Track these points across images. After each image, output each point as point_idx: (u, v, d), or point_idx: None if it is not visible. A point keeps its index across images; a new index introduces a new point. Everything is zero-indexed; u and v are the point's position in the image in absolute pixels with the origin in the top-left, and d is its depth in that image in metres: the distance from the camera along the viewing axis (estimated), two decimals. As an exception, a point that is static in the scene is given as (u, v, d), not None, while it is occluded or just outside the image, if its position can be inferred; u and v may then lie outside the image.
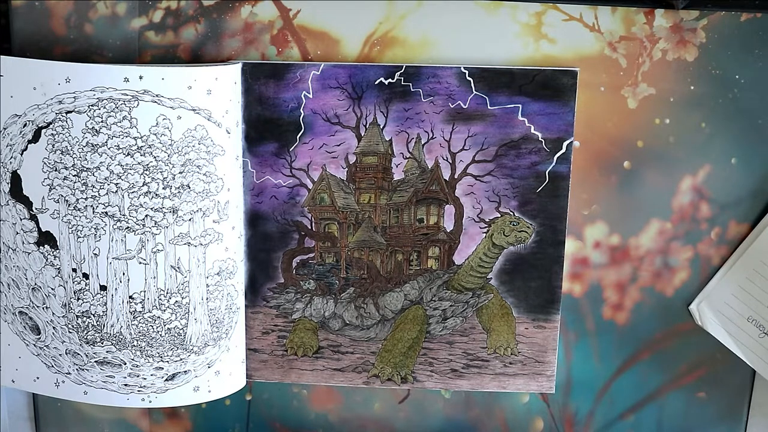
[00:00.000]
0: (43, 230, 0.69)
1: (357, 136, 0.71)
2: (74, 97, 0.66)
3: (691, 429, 0.77)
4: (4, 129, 0.68)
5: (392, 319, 0.74)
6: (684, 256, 0.73)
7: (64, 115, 0.66)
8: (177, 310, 0.70)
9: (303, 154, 0.71)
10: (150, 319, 0.70)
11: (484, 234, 0.72)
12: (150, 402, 0.72)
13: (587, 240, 0.73)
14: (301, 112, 0.70)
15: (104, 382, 0.72)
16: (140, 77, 0.65)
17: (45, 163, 0.67)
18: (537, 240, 0.72)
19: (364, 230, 0.73)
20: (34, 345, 0.72)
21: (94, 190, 0.67)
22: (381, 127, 0.71)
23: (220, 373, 0.73)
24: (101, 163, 0.67)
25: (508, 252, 0.72)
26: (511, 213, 0.71)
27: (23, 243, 0.70)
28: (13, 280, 0.71)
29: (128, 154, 0.66)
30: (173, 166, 0.67)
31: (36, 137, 0.67)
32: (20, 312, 0.72)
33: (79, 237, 0.68)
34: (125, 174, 0.67)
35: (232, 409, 0.78)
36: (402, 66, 0.69)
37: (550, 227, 0.72)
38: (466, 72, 0.69)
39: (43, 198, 0.68)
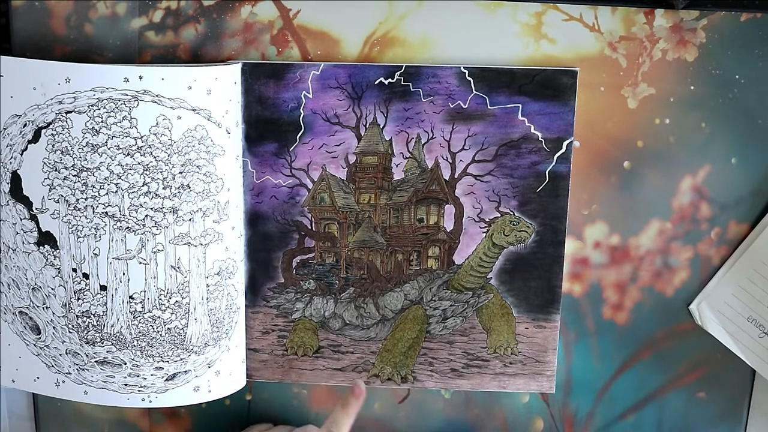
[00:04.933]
0: (43, 230, 0.69)
1: (357, 136, 0.71)
2: (74, 97, 0.66)
3: (691, 429, 0.77)
4: (4, 129, 0.68)
5: (392, 318, 0.74)
6: (684, 256, 0.73)
7: (64, 115, 0.66)
8: (177, 310, 0.70)
9: (303, 154, 0.71)
10: (150, 319, 0.70)
11: (484, 234, 0.72)
12: (150, 402, 0.72)
13: (587, 240, 0.73)
14: (301, 112, 0.70)
15: (104, 382, 0.72)
16: (140, 77, 0.65)
17: (45, 163, 0.67)
18: (537, 240, 0.72)
19: (364, 230, 0.73)
20: (35, 345, 0.72)
21: (94, 190, 0.67)
22: (381, 127, 0.71)
23: (220, 373, 0.73)
24: (101, 163, 0.67)
25: (508, 252, 0.72)
26: (511, 213, 0.71)
27: (23, 243, 0.70)
28: (13, 280, 0.71)
29: (128, 154, 0.66)
30: (173, 166, 0.67)
31: (36, 137, 0.67)
32: (20, 312, 0.72)
33: (79, 237, 0.68)
34: (125, 174, 0.67)
35: (232, 409, 0.78)
36: (402, 66, 0.69)
37: (550, 227, 0.72)
38: (466, 72, 0.69)
39: (43, 198, 0.68)
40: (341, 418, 0.72)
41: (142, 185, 0.67)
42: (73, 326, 0.70)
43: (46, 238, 0.69)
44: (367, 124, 0.71)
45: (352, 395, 0.74)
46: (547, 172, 0.71)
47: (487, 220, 0.72)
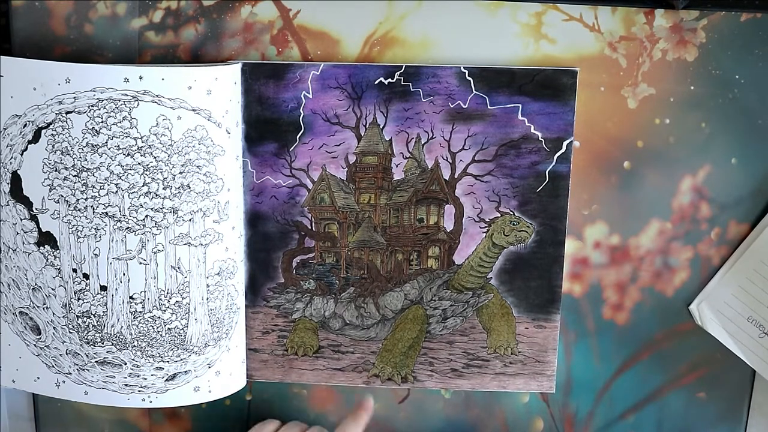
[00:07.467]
0: (44, 230, 0.69)
1: (357, 136, 0.71)
2: (74, 98, 0.66)
3: (691, 429, 0.77)
4: (4, 129, 0.68)
5: (392, 318, 0.74)
6: (684, 256, 0.73)
7: (64, 115, 0.66)
8: (177, 310, 0.70)
9: (303, 154, 0.71)
10: (150, 320, 0.70)
11: (484, 234, 0.72)
12: (150, 402, 0.72)
13: (587, 240, 0.73)
14: (301, 112, 0.70)
15: (105, 382, 0.72)
16: (140, 77, 0.65)
17: (45, 164, 0.67)
18: (537, 240, 0.72)
19: (364, 230, 0.73)
20: (35, 345, 0.72)
21: (95, 190, 0.67)
22: (381, 127, 0.71)
23: (220, 373, 0.73)
24: (101, 163, 0.67)
25: (508, 252, 0.72)
26: (511, 213, 0.72)
27: (23, 243, 0.70)
28: (13, 280, 0.71)
29: (128, 154, 0.66)
30: (173, 167, 0.67)
31: (36, 137, 0.67)
32: (21, 312, 0.72)
33: (79, 237, 0.68)
34: (125, 174, 0.67)
35: (232, 409, 0.78)
36: (402, 66, 0.69)
37: (550, 227, 0.72)
38: (466, 72, 0.69)
39: (44, 198, 0.68)
40: (352, 429, 0.72)
41: (143, 185, 0.67)
42: (73, 326, 0.70)
43: (47, 239, 0.69)
44: (367, 124, 0.71)
45: (361, 409, 0.74)
46: (547, 172, 0.71)
47: (487, 220, 0.72)
